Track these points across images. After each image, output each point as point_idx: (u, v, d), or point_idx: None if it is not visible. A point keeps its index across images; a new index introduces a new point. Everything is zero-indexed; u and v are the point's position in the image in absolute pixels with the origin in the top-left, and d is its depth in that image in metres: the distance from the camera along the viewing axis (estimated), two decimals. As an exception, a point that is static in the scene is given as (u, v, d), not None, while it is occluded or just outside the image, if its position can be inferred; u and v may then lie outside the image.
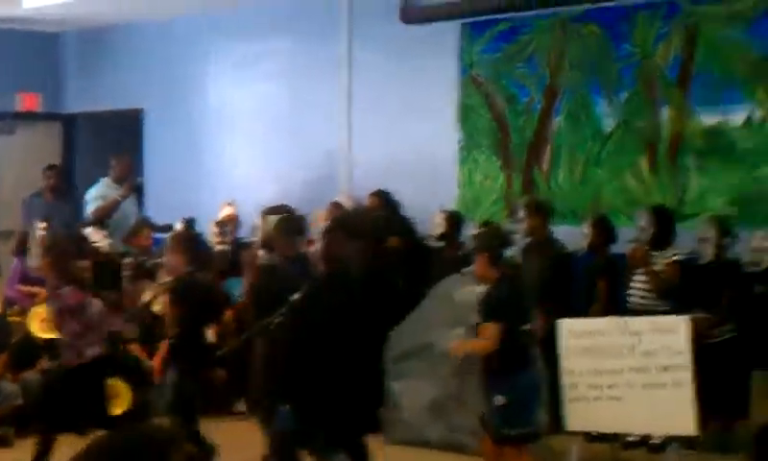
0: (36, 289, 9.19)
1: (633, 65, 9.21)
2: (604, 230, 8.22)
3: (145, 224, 10.29)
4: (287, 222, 7.81)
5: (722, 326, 7.40)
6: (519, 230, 8.46)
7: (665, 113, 9.07)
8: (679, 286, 7.43)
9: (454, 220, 9.12)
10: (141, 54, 12.48)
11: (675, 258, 7.53)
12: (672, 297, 7.38)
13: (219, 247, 9.80)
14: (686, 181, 8.96)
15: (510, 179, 9.94)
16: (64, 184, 11.72)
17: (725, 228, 7.64)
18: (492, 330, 6.06)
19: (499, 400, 6.13)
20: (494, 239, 6.64)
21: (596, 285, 8.02)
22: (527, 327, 6.35)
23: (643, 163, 9.19)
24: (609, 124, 9.37)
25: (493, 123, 10.04)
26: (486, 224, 8.83)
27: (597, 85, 9.41)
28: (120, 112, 12.66)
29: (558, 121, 9.64)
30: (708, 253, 7.51)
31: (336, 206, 9.84)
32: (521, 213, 8.50)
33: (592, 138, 9.45)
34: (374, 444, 7.72)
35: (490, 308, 6.14)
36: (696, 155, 8.92)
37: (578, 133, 9.53)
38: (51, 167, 11.45)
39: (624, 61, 9.26)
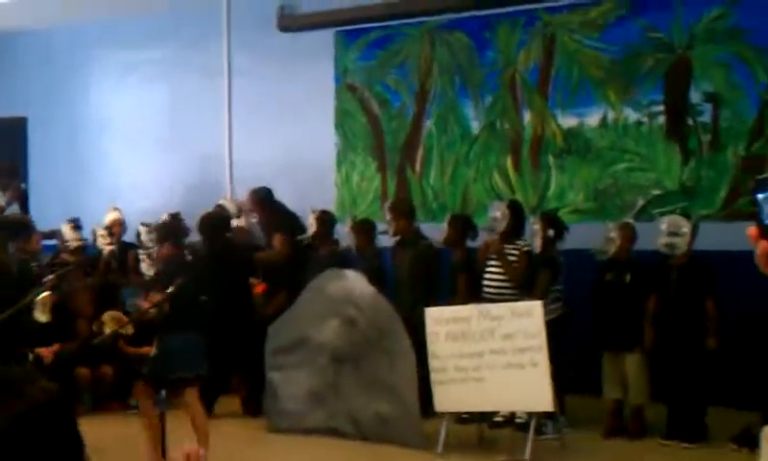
0: None
1: (497, 71, 9.80)
2: (460, 227, 8.64)
3: (34, 229, 10.45)
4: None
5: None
6: (388, 231, 8.91)
7: (527, 116, 9.68)
8: (528, 273, 7.98)
9: (326, 220, 9.50)
10: (23, 63, 12.58)
11: (526, 249, 8.08)
12: (524, 283, 7.94)
13: (107, 249, 10.07)
14: (548, 178, 9.60)
15: (385, 179, 10.43)
16: None
17: (552, 222, 8.17)
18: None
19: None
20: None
21: (456, 279, 8.51)
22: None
23: (508, 163, 9.79)
24: (476, 126, 9.94)
25: (368, 127, 10.52)
26: (359, 221, 9.29)
27: (464, 90, 9.98)
28: (3, 120, 12.71)
29: (429, 124, 10.17)
30: (537, 244, 8.05)
31: (220, 208, 10.20)
32: (388, 215, 8.92)
33: (461, 140, 10.01)
34: (258, 433, 8.20)
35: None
36: (556, 154, 9.55)
37: (447, 136, 10.08)
38: None
39: (489, 68, 9.85)
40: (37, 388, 2.03)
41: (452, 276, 8.53)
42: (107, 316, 8.80)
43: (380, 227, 9.23)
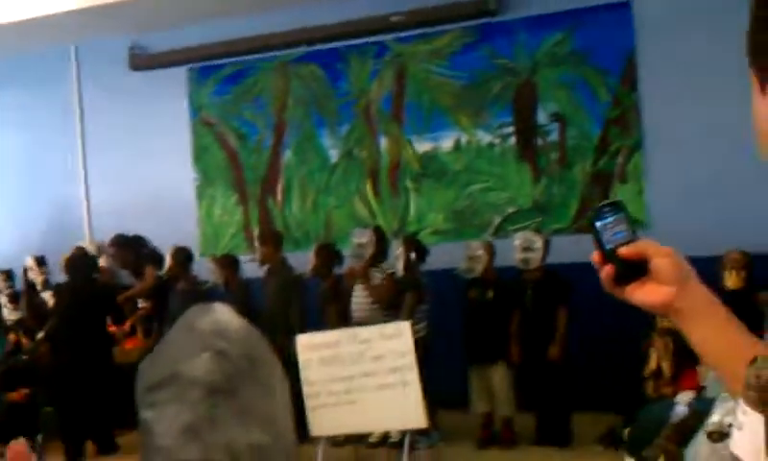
0: None
1: (351, 101, 10.03)
2: (327, 256, 8.80)
3: None
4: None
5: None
6: (256, 259, 9.01)
7: (384, 143, 9.94)
8: (394, 295, 8.21)
9: (181, 256, 9.44)
10: None
11: (390, 272, 8.31)
12: (391, 305, 8.16)
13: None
14: (407, 202, 9.87)
15: (247, 212, 10.51)
16: None
17: (414, 245, 8.46)
18: None
19: None
20: None
21: (326, 308, 8.66)
22: None
23: (368, 189, 10.02)
24: (334, 155, 10.14)
25: (227, 160, 10.59)
26: (221, 257, 9.36)
27: (321, 120, 10.17)
28: None
29: (287, 155, 10.31)
30: (400, 267, 8.31)
31: (79, 250, 10.09)
32: (256, 243, 9.04)
33: (320, 169, 10.19)
34: (132, 473, 8.13)
35: None
36: (413, 178, 9.84)
37: (307, 165, 10.24)
38: None
39: (343, 98, 10.07)
40: None
41: (322, 304, 8.68)
42: None
43: (245, 258, 9.32)
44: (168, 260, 9.38)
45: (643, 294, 1.46)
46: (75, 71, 11.11)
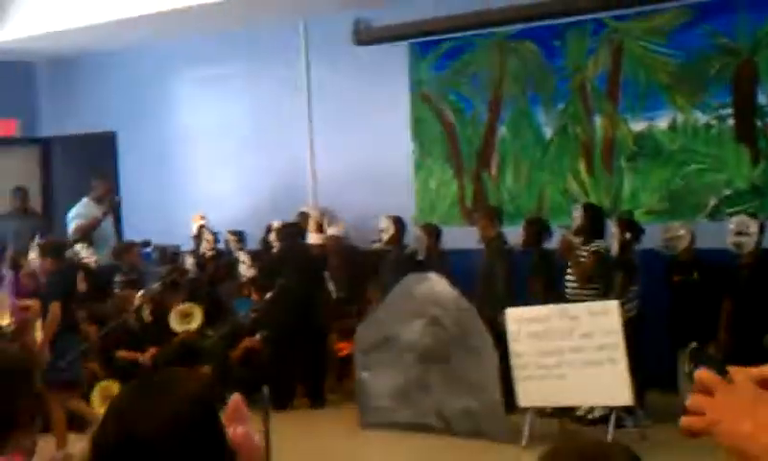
0: (28, 302, 9.93)
1: (566, 79, 10.17)
2: (536, 230, 9.07)
3: (135, 243, 11.19)
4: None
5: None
6: (475, 233, 9.41)
7: (598, 121, 10.04)
8: (599, 274, 8.35)
9: (400, 224, 10.13)
10: (112, 79, 13.21)
11: (594, 249, 8.45)
12: (592, 283, 8.32)
13: (209, 254, 10.71)
14: (621, 180, 9.94)
15: (462, 185, 10.85)
16: (28, 204, 12.65)
17: (629, 226, 8.54)
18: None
19: None
20: None
21: (533, 281, 8.93)
22: None
23: (581, 166, 10.16)
24: (548, 131, 10.32)
25: (444, 134, 10.95)
26: (426, 226, 9.81)
27: (536, 97, 10.36)
28: (94, 135, 13.38)
29: (502, 130, 10.57)
30: (614, 248, 8.43)
31: (302, 215, 10.80)
32: (475, 217, 9.43)
33: (534, 145, 10.40)
34: (351, 427, 8.72)
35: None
36: (628, 157, 9.90)
37: (520, 140, 10.47)
38: (17, 189, 12.46)
39: (559, 75, 10.22)
40: (194, 381, 2.34)
41: (530, 277, 8.94)
42: (175, 312, 9.50)
43: (456, 231, 9.77)
44: (386, 228, 9.95)
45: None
46: (303, 45, 11.71)
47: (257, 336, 9.81)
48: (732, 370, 1.35)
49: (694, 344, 7.63)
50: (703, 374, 1.36)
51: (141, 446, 2.05)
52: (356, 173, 11.22)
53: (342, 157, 11.43)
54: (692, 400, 1.34)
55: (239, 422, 2.35)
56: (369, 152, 11.24)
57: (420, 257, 9.58)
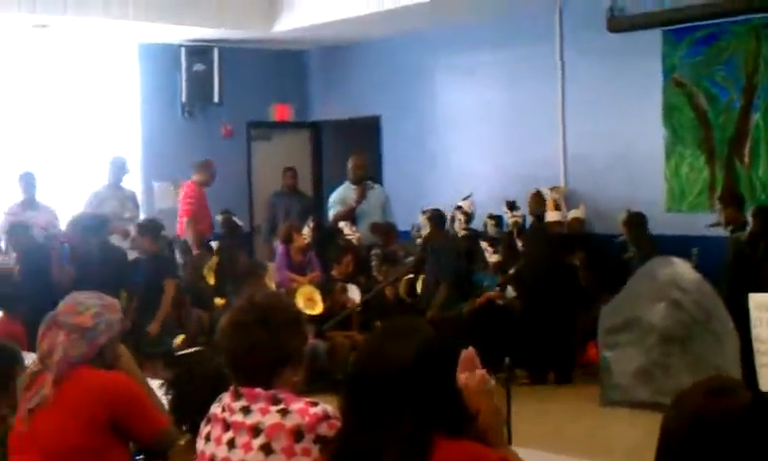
0: (298, 277, 10.85)
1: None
2: (765, 219, 9.07)
3: (392, 226, 11.94)
4: None
5: None
6: (720, 221, 9.52)
7: None
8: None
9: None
10: (377, 67, 14.04)
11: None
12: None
13: (462, 233, 11.36)
14: None
15: (713, 172, 10.88)
16: (297, 183, 13.70)
17: None
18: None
19: None
20: None
21: (763, 270, 8.92)
22: None
23: (837, 156, 10.00)
24: (802, 120, 10.21)
25: (696, 121, 11.01)
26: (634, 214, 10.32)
27: (792, 85, 10.27)
28: (360, 119, 14.28)
29: (756, 118, 10.53)
30: None
31: (537, 195, 11.33)
32: (717, 205, 9.53)
33: (789, 133, 10.32)
34: (591, 405, 9.07)
35: None
36: None
37: (775, 128, 10.41)
38: (287, 169, 13.43)
39: (820, 62, 10.07)
40: (426, 327, 2.68)
41: (763, 265, 8.97)
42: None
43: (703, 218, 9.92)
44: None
45: None
46: (558, 33, 12.06)
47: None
48: None
49: None
50: None
51: (389, 380, 2.45)
52: (607, 156, 11.49)
53: (594, 142, 11.70)
54: None
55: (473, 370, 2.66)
56: (620, 136, 11.46)
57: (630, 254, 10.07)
